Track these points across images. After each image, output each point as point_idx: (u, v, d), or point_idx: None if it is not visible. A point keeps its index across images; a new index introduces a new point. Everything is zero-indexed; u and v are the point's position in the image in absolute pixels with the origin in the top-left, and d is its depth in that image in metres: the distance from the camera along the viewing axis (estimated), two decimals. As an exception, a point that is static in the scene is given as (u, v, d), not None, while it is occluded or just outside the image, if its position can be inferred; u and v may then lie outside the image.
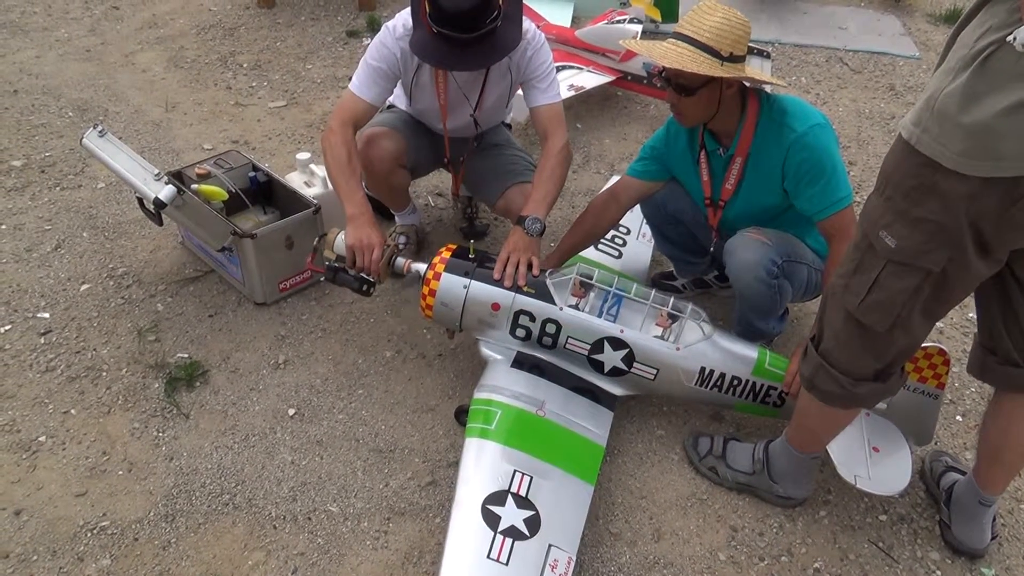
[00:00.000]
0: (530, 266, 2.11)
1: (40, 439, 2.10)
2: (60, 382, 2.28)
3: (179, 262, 2.76)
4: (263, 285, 2.53)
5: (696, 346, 2.06)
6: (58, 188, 3.14)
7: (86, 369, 2.32)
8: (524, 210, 2.19)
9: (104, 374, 2.31)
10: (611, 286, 2.09)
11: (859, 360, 1.60)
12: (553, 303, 2.08)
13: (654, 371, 2.08)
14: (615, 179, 3.04)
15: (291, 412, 2.22)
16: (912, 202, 1.38)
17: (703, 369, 2.06)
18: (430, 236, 2.93)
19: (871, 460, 1.90)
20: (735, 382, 2.07)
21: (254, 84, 4.05)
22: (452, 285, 2.11)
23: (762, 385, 2.07)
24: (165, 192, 2.16)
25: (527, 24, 2.28)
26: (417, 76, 2.37)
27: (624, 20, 3.89)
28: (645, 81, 3.77)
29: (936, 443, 2.18)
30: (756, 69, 2.11)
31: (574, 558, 1.70)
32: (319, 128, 3.66)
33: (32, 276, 2.66)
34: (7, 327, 2.45)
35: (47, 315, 2.51)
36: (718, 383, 2.07)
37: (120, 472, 2.03)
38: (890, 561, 1.89)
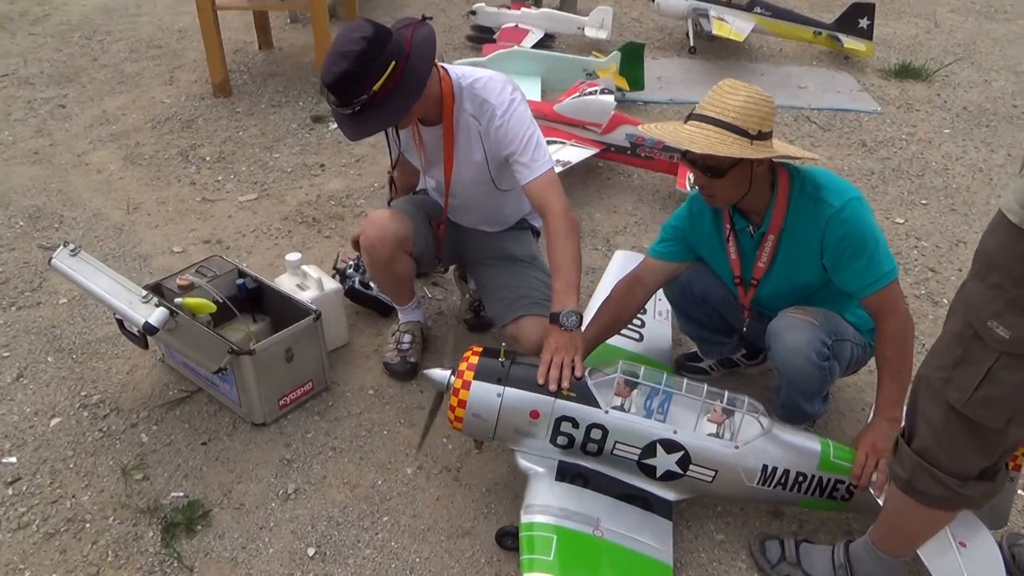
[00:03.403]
0: (573, 367, 1.93)
1: (18, 616, 1.80)
2: (36, 541, 1.98)
3: (161, 383, 2.50)
4: (263, 404, 2.29)
5: (755, 443, 1.90)
6: (13, 308, 2.86)
7: (66, 522, 2.03)
8: (554, 304, 2.03)
9: (88, 526, 2.02)
10: (659, 383, 1.93)
11: (965, 459, 1.47)
12: (597, 406, 1.91)
13: (712, 473, 1.91)
14: (617, 256, 2.92)
15: (311, 552, 1.96)
16: (1026, 289, 1.27)
17: (765, 467, 1.90)
18: (431, 330, 2.74)
19: (962, 559, 1.75)
20: (800, 478, 1.91)
21: (220, 178, 3.84)
22: (484, 394, 1.92)
23: (829, 480, 1.92)
24: (156, 316, 1.93)
25: (498, 96, 2.15)
26: (392, 132, 2.34)
27: (596, 91, 3.85)
28: (628, 152, 3.71)
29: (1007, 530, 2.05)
30: (786, 144, 2.02)
31: None
32: (295, 220, 3.47)
33: (-7, 413, 2.37)
34: (-32, 477, 2.15)
35: (14, 459, 2.21)
36: (782, 481, 1.91)
37: (119, 648, 1.74)
38: (997, 667, 1.72)
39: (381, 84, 1.95)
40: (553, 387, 1.91)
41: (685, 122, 1.98)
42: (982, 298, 1.34)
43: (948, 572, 1.71)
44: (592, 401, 1.91)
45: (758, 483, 1.91)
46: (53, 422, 2.34)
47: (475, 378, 1.93)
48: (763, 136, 1.90)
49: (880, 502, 1.83)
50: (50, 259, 2.20)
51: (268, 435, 2.31)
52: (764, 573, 1.92)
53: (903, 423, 1.58)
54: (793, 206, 2.01)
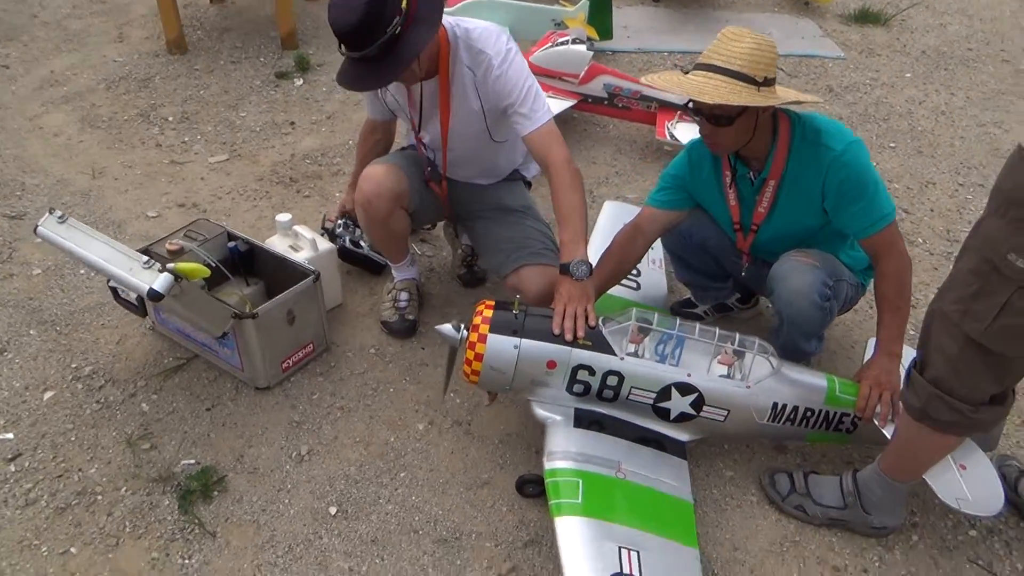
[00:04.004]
0: (587, 316, 1.95)
1: (40, 591, 1.77)
2: (48, 516, 1.94)
3: (154, 351, 2.44)
4: (266, 368, 2.26)
5: (766, 382, 1.96)
6: (-14, 280, 2.74)
7: (76, 495, 1.98)
8: (563, 255, 2.03)
9: (100, 498, 1.98)
10: (672, 329, 1.96)
11: (979, 386, 1.54)
12: (613, 353, 1.94)
13: (725, 412, 1.97)
14: (607, 206, 2.93)
15: (332, 510, 1.97)
16: (1047, 222, 1.33)
17: (775, 404, 1.96)
18: (426, 287, 2.73)
19: (963, 480, 1.85)
20: (808, 413, 1.99)
21: (186, 139, 3.71)
22: (501, 346, 1.93)
23: (835, 413, 2.00)
24: (161, 282, 1.87)
25: (494, 46, 2.13)
26: (384, 92, 2.32)
27: (567, 41, 3.81)
28: (606, 102, 3.70)
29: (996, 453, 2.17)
30: (786, 89, 2.05)
31: (709, 638, 1.56)
32: (271, 181, 3.38)
33: (-20, 390, 2.29)
34: (-36, 456, 2.08)
35: (11, 435, 2.14)
36: (791, 417, 1.98)
37: (150, 616, 1.73)
38: (995, 579, 1.85)
39: (399, 26, 1.90)
40: (569, 336, 1.93)
41: (686, 72, 1.98)
42: (1002, 233, 1.40)
43: (952, 490, 1.80)
44: (607, 349, 1.94)
45: (768, 420, 1.97)
46: (47, 396, 2.27)
47: (491, 331, 1.93)
48: (768, 83, 1.92)
49: (885, 432, 1.92)
50: (36, 227, 2.10)
51: (273, 398, 2.28)
52: (776, 505, 2.00)
53: (903, 357, 1.65)
54: (794, 151, 2.04)
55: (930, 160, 3.61)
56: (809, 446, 2.16)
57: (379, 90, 2.34)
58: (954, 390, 1.56)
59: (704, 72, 1.90)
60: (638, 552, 1.66)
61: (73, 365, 2.38)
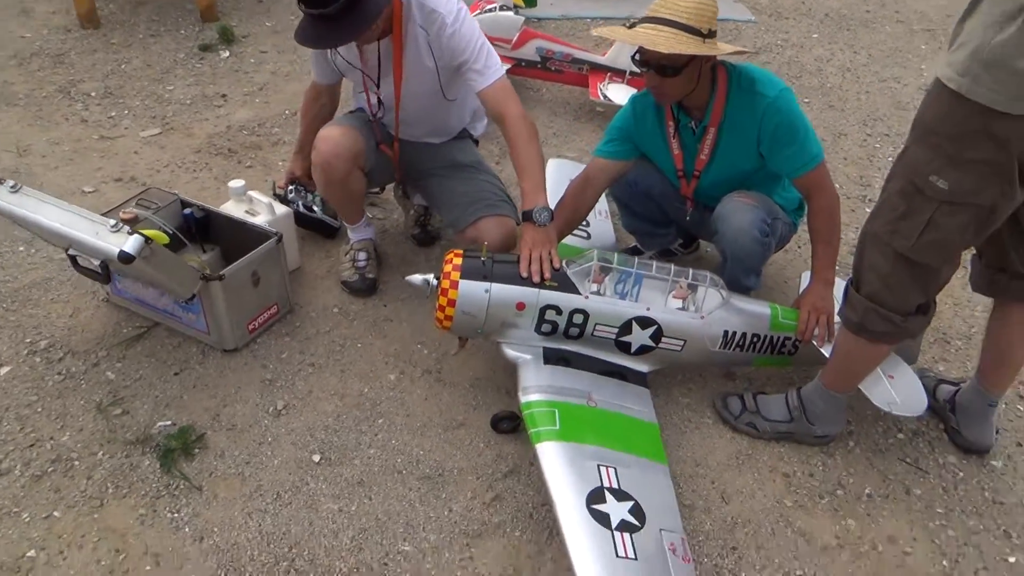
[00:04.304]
0: (552, 259, 2.07)
1: (29, 554, 1.77)
2: (24, 484, 1.92)
3: (111, 322, 2.41)
4: (233, 330, 2.28)
5: (717, 312, 2.13)
6: (-82, 261, 2.63)
7: (51, 462, 1.97)
8: (525, 203, 2.14)
9: (76, 463, 1.98)
10: (632, 267, 2.10)
11: (907, 296, 1.74)
12: (578, 292, 2.06)
13: (681, 342, 2.13)
14: (552, 163, 3.04)
15: (316, 458, 2.03)
16: (964, 146, 1.52)
17: (727, 332, 2.14)
18: (381, 247, 2.78)
19: (892, 388, 2.07)
20: (755, 339, 2.17)
21: (113, 114, 3.60)
22: (472, 291, 2.02)
23: (778, 338, 2.19)
24: (131, 244, 1.86)
25: (445, 6, 2.20)
26: (334, 54, 2.34)
27: (494, 8, 3.89)
28: (539, 66, 3.80)
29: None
30: (725, 43, 2.20)
31: (685, 536, 1.72)
32: (210, 153, 3.34)
33: (-70, 369, 2.22)
34: (-74, 434, 2.03)
35: (-29, 410, 2.10)
36: (740, 343, 2.16)
37: (147, 568, 1.75)
38: (922, 473, 2.08)
39: None
40: (536, 278, 2.04)
41: (631, 27, 2.10)
42: (924, 158, 1.58)
43: (884, 397, 2.02)
44: (573, 289, 2.06)
45: (720, 347, 2.14)
46: (3, 371, 2.23)
47: (462, 278, 2.02)
48: (712, 35, 2.07)
49: (823, 352, 2.12)
50: (-14, 197, 2.05)
51: (242, 359, 2.31)
52: (729, 424, 2.18)
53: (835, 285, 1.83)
54: (732, 99, 2.19)
55: (840, 114, 3.89)
56: (755, 371, 2.35)
57: (329, 52, 2.36)
58: (887, 302, 1.76)
59: (653, 25, 2.03)
60: (615, 468, 1.80)
61: (27, 340, 2.33)
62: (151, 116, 3.60)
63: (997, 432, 2.14)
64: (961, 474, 2.08)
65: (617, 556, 1.59)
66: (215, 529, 1.84)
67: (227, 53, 4.17)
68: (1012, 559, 1.88)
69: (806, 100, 4.01)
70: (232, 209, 2.52)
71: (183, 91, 3.81)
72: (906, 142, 1.67)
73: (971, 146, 1.50)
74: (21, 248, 2.70)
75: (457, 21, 2.20)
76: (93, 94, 3.74)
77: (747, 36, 4.73)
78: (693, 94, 2.18)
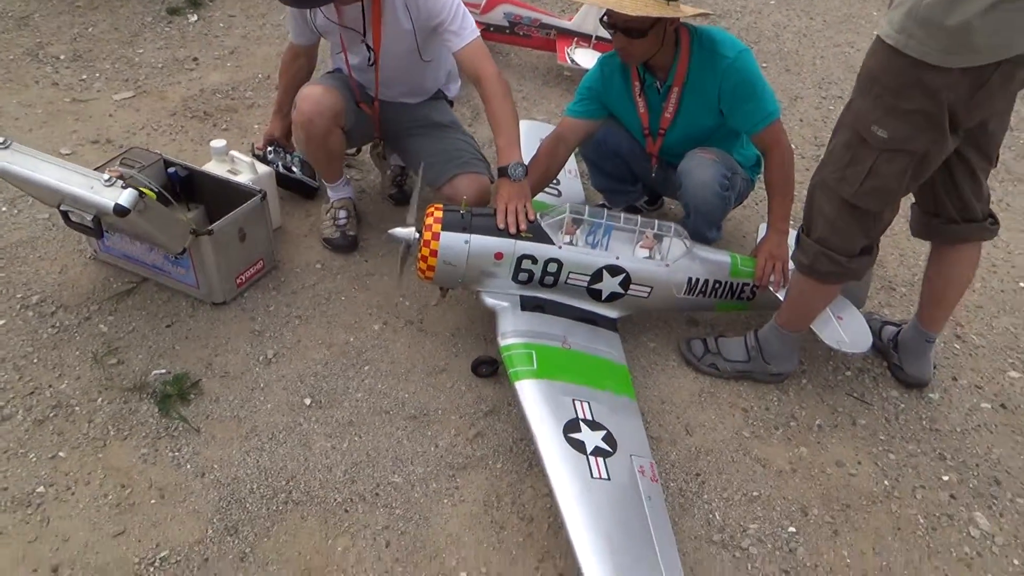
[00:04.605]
0: (527, 212, 2.19)
1: (39, 490, 1.87)
2: (27, 428, 2.01)
3: (100, 278, 2.49)
4: (222, 283, 2.37)
5: (681, 260, 2.28)
6: (-101, 222, 2.66)
7: (52, 408, 2.06)
8: (500, 159, 2.25)
9: (77, 409, 2.07)
10: (602, 219, 2.24)
11: (852, 239, 1.91)
12: (552, 243, 2.20)
13: (648, 289, 2.28)
14: (524, 124, 3.15)
15: (307, 401, 2.15)
16: (900, 97, 1.68)
17: (690, 279, 2.29)
18: (360, 206, 2.87)
19: (841, 328, 2.25)
20: (716, 285, 2.33)
21: (84, 77, 3.61)
22: (453, 242, 2.15)
23: (738, 284, 2.35)
24: (126, 197, 1.95)
25: None
26: (315, 15, 2.42)
27: (464, -26, 3.94)
28: (507, 31, 3.89)
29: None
30: (688, 6, 2.32)
31: (653, 462, 1.88)
32: (185, 116, 3.38)
33: (-77, 324, 2.28)
34: (-75, 384, 2.10)
35: (-32, 362, 2.17)
36: (703, 289, 2.32)
37: (152, 501, 1.87)
38: (867, 406, 2.27)
39: None
40: (513, 230, 2.17)
41: None
42: (867, 108, 1.74)
43: (833, 335, 2.20)
44: (547, 239, 2.19)
45: (685, 293, 2.30)
46: (-3, 324, 2.30)
47: (443, 230, 2.14)
48: None
49: (779, 296, 2.29)
50: (-24, 155, 2.10)
51: (231, 312, 2.40)
52: (692, 365, 2.35)
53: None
54: (694, 60, 2.33)
55: (796, 77, 4.05)
56: (717, 317, 2.52)
57: (309, 12, 2.43)
58: (834, 245, 1.92)
59: None
60: (588, 402, 1.95)
61: (19, 295, 2.40)
62: (123, 79, 3.61)
63: (935, 368, 2.34)
64: (902, 406, 2.29)
65: (592, 477, 1.75)
66: (215, 466, 1.96)
67: (195, 17, 4.17)
68: (946, 477, 2.09)
69: (764, 64, 4.16)
70: (215, 168, 2.60)
71: (153, 54, 3.82)
72: (851, 95, 1.83)
73: (907, 97, 1.66)
74: (3, 208, 2.74)
75: None
76: (62, 57, 3.74)
77: (708, 2, 4.85)
78: (658, 55, 2.30)
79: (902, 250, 2.86)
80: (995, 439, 2.21)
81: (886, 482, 2.06)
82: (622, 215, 2.27)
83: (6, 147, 2.09)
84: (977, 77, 1.62)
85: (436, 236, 2.14)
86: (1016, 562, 1.90)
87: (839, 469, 2.09)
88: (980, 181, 1.97)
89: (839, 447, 2.15)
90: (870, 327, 2.37)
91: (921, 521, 1.97)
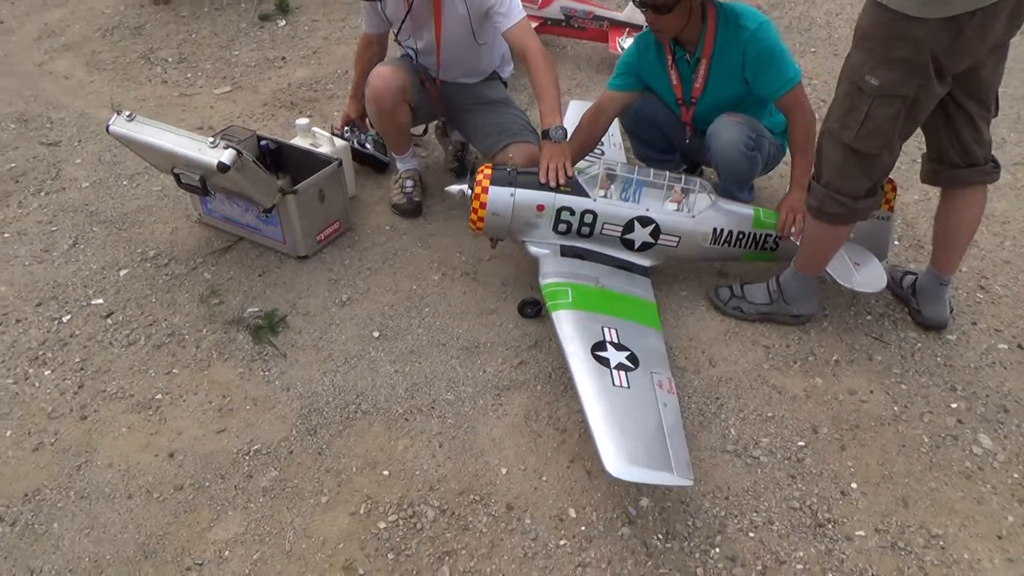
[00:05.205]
0: (566, 169, 2.48)
1: (157, 397, 2.26)
2: (147, 351, 2.42)
3: (203, 237, 2.91)
4: (304, 239, 2.75)
5: (707, 212, 2.52)
6: (42, 193, 3.16)
7: (167, 336, 2.47)
8: (543, 123, 2.54)
9: (187, 336, 2.47)
10: (633, 174, 2.50)
11: (856, 182, 2.11)
12: (587, 196, 2.47)
13: (677, 239, 2.52)
14: (572, 104, 3.44)
15: (375, 335, 2.48)
16: (889, 48, 1.89)
17: (715, 230, 2.52)
18: (424, 178, 3.21)
19: (857, 272, 2.44)
20: (740, 236, 2.55)
21: (189, 75, 4.11)
22: (500, 195, 2.45)
23: (761, 235, 2.57)
24: (227, 155, 2.34)
25: None
26: (384, 5, 2.76)
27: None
28: (563, 23, 4.18)
29: (888, 262, 2.78)
30: (712, -16, 2.55)
31: (672, 378, 2.13)
32: (275, 105, 3.82)
33: (64, 272, 2.73)
34: (67, 316, 2.54)
35: (101, 300, 2.61)
36: (727, 239, 2.54)
37: (248, 408, 2.23)
38: (884, 345, 2.45)
39: None
40: (552, 184, 2.45)
41: None
42: (860, 60, 1.96)
43: (847, 276, 2.39)
44: (583, 193, 2.47)
45: (711, 243, 2.53)
46: (122, 273, 2.73)
47: (491, 184, 2.45)
48: None
49: (798, 244, 2.49)
50: (107, 127, 2.54)
51: (312, 265, 2.78)
52: (720, 309, 2.57)
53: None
54: (720, 33, 2.56)
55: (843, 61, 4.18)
56: (744, 266, 2.73)
57: (380, 4, 2.79)
58: (840, 188, 2.13)
59: None
60: (616, 329, 2.21)
61: (139, 251, 2.84)
62: (222, 76, 4.09)
63: (952, 311, 2.49)
64: (919, 345, 2.45)
65: (613, 385, 2.01)
66: (298, 383, 2.31)
67: (283, 22, 4.64)
68: (954, 405, 2.25)
69: (813, 50, 4.33)
70: (299, 142, 2.98)
71: (247, 55, 4.30)
72: (849, 49, 2.04)
73: (893, 47, 1.87)
74: (124, 183, 3.21)
75: None
76: (170, 59, 4.25)
77: (762, -8, 5.03)
78: (686, 30, 2.55)
79: (932, 211, 2.99)
80: (1008, 374, 2.35)
81: (895, 408, 2.24)
82: (651, 171, 2.53)
83: (132, 120, 2.52)
84: (954, 27, 1.81)
85: (485, 190, 2.45)
86: (1016, 475, 2.05)
87: (851, 396, 2.28)
88: (980, 128, 2.14)
89: (853, 378, 2.34)
90: (892, 277, 2.55)
91: (926, 440, 2.15)
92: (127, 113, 2.53)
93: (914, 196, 3.12)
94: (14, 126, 3.63)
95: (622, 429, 1.87)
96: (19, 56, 4.29)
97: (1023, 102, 3.84)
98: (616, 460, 1.80)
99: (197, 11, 4.78)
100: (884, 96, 1.94)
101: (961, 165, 2.19)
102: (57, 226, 2.96)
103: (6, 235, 2.91)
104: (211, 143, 2.38)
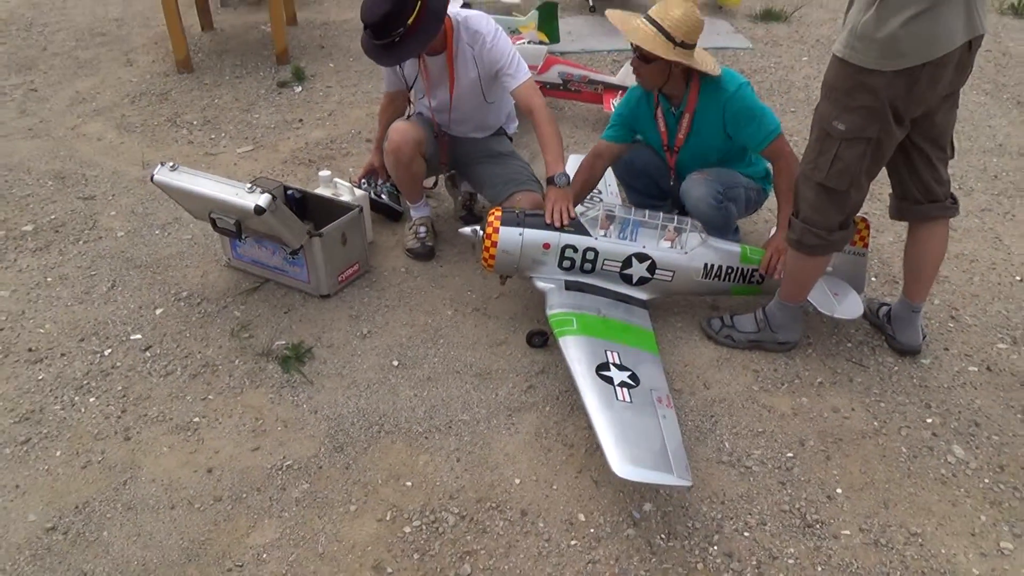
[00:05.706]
0: (569, 211, 2.73)
1: (195, 420, 2.45)
2: (184, 380, 2.61)
3: (232, 279, 3.13)
4: (328, 279, 2.97)
5: (698, 249, 2.76)
6: (81, 242, 3.39)
7: (201, 367, 2.67)
8: (548, 171, 2.81)
9: (220, 367, 2.67)
10: (630, 215, 2.75)
11: (830, 216, 2.36)
12: (589, 235, 2.72)
13: (671, 273, 2.76)
14: (571, 158, 3.72)
15: (395, 363, 2.69)
16: (852, 97, 2.16)
17: (706, 265, 2.76)
18: (436, 225, 3.46)
19: (837, 301, 2.67)
20: (729, 270, 2.79)
21: (213, 136, 4.41)
22: (510, 235, 2.69)
23: (748, 269, 2.81)
24: (263, 199, 2.59)
25: (486, 27, 2.92)
26: (402, 67, 3.04)
27: (525, 42, 4.64)
28: (561, 87, 4.52)
29: (865, 295, 3.01)
30: (704, 56, 2.83)
31: (670, 395, 2.33)
32: (294, 163, 4.10)
33: (103, 311, 2.95)
34: (108, 350, 2.74)
35: (139, 336, 2.81)
36: (718, 274, 2.78)
37: (279, 429, 2.42)
38: (864, 368, 2.66)
39: (413, 18, 2.67)
40: (558, 224, 2.70)
41: (639, 18, 2.76)
42: (827, 109, 2.23)
43: (827, 305, 2.62)
44: (585, 232, 2.72)
45: (703, 277, 2.77)
46: (158, 311, 2.94)
47: (502, 225, 2.70)
48: (686, 45, 2.73)
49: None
50: (152, 176, 2.80)
51: (334, 303, 3.00)
52: (712, 338, 2.79)
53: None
54: (703, 93, 2.85)
55: (821, 118, 4.51)
56: (733, 300, 2.96)
57: (397, 66, 3.09)
58: (816, 223, 2.38)
59: (647, 22, 2.71)
60: (618, 352, 2.43)
61: (172, 292, 3.06)
62: (243, 137, 4.39)
63: (925, 337, 2.71)
64: (896, 368, 2.66)
65: (617, 400, 2.21)
66: (325, 406, 2.50)
67: (300, 88, 4.98)
68: (929, 420, 2.45)
69: (792, 110, 4.66)
70: (322, 192, 3.25)
71: (267, 118, 4.61)
72: (818, 101, 2.32)
73: (855, 96, 2.14)
74: (156, 231, 3.46)
75: (495, 38, 2.92)
76: (195, 122, 4.56)
77: (744, 61, 5.42)
78: (669, 85, 2.84)
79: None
80: (978, 393, 2.56)
81: (875, 423, 2.44)
82: (647, 212, 2.78)
83: (175, 170, 2.78)
84: (909, 77, 2.09)
85: (496, 231, 2.69)
86: (987, 480, 2.24)
87: (835, 413, 2.48)
88: (937, 168, 2.40)
89: (836, 398, 2.54)
90: (869, 308, 2.78)
91: (904, 451, 2.34)
92: (171, 163, 2.79)
93: (889, 238, 3.38)
94: (52, 183, 3.89)
95: (626, 437, 2.07)
96: (54, 121, 4.59)
97: (989, 155, 4.15)
98: (621, 462, 1.99)
99: (219, 79, 5.12)
100: (850, 139, 2.20)
101: (923, 201, 2.44)
102: (96, 271, 3.19)
103: (49, 279, 3.14)
104: (248, 188, 2.63)
